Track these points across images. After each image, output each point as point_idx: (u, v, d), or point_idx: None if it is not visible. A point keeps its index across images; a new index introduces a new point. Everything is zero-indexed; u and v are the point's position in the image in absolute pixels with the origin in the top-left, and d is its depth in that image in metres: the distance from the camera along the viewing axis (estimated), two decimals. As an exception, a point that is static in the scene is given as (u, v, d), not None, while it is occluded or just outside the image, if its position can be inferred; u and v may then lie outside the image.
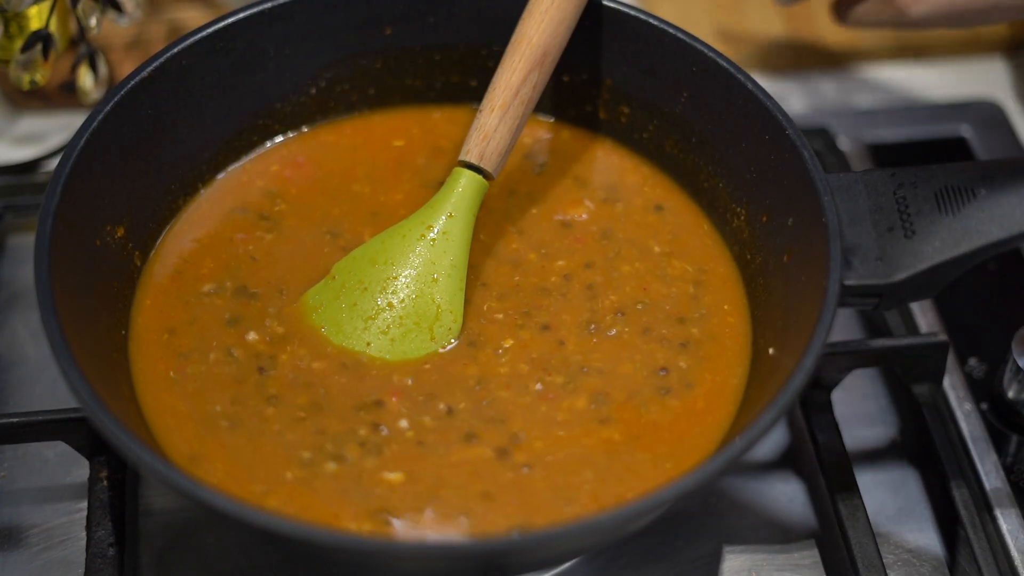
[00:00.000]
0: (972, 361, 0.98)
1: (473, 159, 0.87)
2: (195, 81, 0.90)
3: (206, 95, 0.91)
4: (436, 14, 0.95)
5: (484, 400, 0.82)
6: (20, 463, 0.92)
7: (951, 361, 0.95)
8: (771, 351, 0.82)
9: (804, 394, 0.90)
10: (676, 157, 0.94)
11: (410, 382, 0.83)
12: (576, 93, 0.97)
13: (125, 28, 1.14)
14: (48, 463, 0.92)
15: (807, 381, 0.74)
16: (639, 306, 0.87)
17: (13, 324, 1.00)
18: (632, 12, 0.92)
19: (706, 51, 0.89)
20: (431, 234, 0.86)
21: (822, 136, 1.11)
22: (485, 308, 0.87)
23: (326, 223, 0.91)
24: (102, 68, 1.08)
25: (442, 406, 0.82)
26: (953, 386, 0.95)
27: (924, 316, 0.98)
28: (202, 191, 0.93)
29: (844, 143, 1.11)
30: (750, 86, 0.87)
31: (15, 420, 0.86)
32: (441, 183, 0.88)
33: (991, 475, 0.90)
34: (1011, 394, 0.94)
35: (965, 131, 1.14)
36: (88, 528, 0.84)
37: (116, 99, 0.85)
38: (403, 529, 0.76)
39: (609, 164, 0.96)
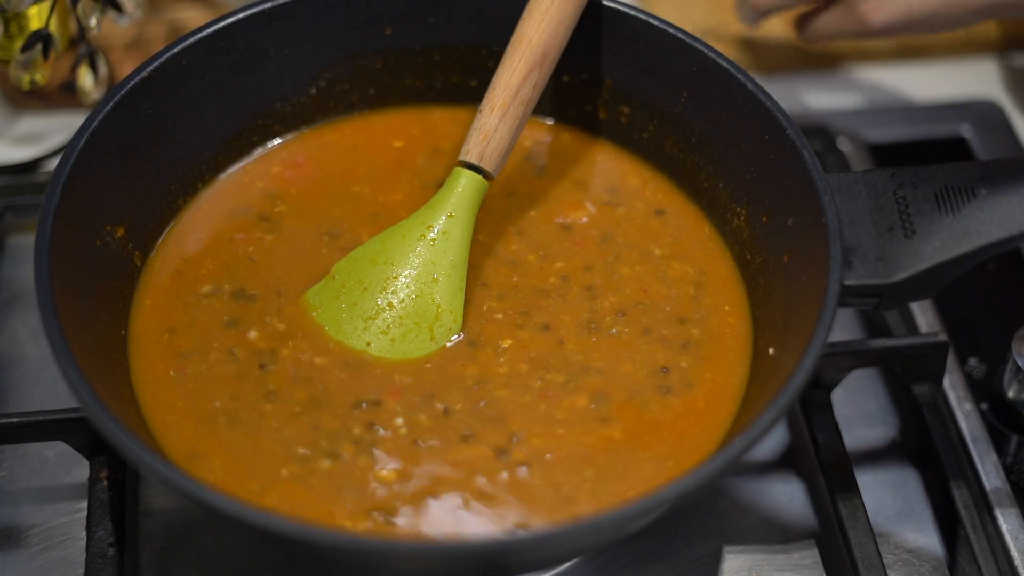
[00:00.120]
0: (972, 361, 0.98)
1: (473, 159, 0.87)
2: (195, 81, 0.90)
3: (206, 95, 0.91)
4: (436, 14, 0.95)
5: (482, 400, 0.82)
6: (20, 463, 0.92)
7: (951, 361, 0.95)
8: (771, 351, 0.82)
9: (804, 394, 0.90)
10: (676, 157, 0.94)
11: (409, 381, 0.83)
12: (576, 93, 0.97)
13: (125, 28, 1.14)
14: (48, 463, 0.92)
15: (807, 381, 0.74)
16: (639, 307, 0.87)
17: (13, 324, 1.00)
18: (632, 12, 0.92)
19: (706, 51, 0.89)
20: (431, 234, 0.86)
21: (822, 136, 1.11)
22: (485, 308, 0.87)
23: (326, 224, 0.91)
24: (102, 68, 1.08)
25: (439, 405, 0.82)
26: (953, 386, 0.95)
27: (924, 316, 0.98)
28: (203, 192, 0.93)
29: (844, 143, 1.11)
30: (750, 86, 0.87)
31: (15, 420, 0.86)
32: (441, 184, 0.89)
33: (991, 475, 0.90)
34: (1011, 394, 0.94)
35: (965, 131, 1.15)
36: (88, 528, 0.84)
37: (116, 99, 0.85)
38: (399, 527, 0.76)
39: (609, 167, 0.96)
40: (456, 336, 0.85)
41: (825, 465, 0.89)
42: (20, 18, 1.03)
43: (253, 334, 0.85)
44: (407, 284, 0.86)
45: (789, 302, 0.82)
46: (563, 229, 0.92)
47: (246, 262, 0.89)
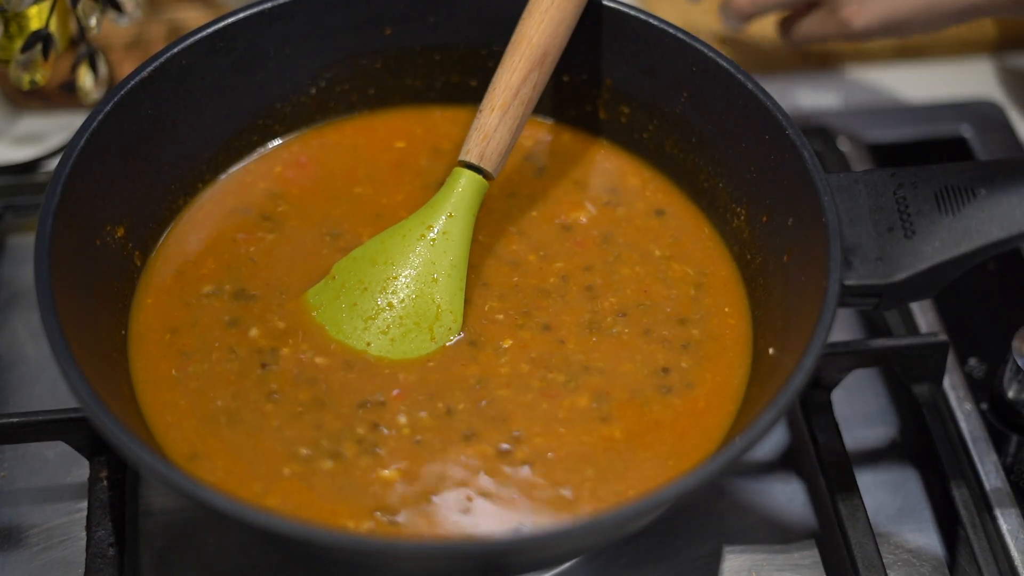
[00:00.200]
0: (972, 361, 0.98)
1: (473, 159, 0.87)
2: (195, 81, 0.90)
3: (206, 95, 0.91)
4: (436, 14, 0.95)
5: (484, 399, 0.82)
6: (20, 463, 0.92)
7: (951, 361, 0.95)
8: (771, 351, 0.82)
9: (804, 394, 0.90)
10: (676, 157, 0.94)
11: (413, 380, 0.83)
12: (576, 93, 0.97)
13: (125, 28, 1.14)
14: (48, 463, 0.92)
15: (807, 381, 0.74)
16: (640, 307, 0.87)
17: (13, 324, 1.00)
18: (632, 12, 0.92)
19: (706, 51, 0.89)
20: (431, 234, 0.86)
21: (822, 136, 1.11)
22: (486, 308, 0.87)
23: (327, 224, 0.91)
24: (102, 68, 1.08)
25: (441, 405, 0.82)
26: (953, 386, 0.95)
27: (924, 316, 0.98)
28: (204, 191, 0.93)
29: (844, 143, 1.11)
30: (750, 86, 0.87)
31: (15, 420, 0.86)
32: (443, 184, 0.89)
33: (991, 475, 0.90)
34: (1011, 394, 0.94)
35: (965, 131, 1.15)
36: (88, 528, 0.84)
37: (116, 99, 0.85)
38: (401, 527, 0.76)
39: (609, 167, 0.96)
40: (456, 336, 0.85)
41: (825, 465, 0.89)
42: (20, 18, 1.03)
43: (254, 332, 0.85)
44: (407, 284, 0.86)
45: (789, 302, 0.82)
46: (563, 229, 0.92)
47: (247, 262, 0.89)
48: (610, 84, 0.95)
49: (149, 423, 0.80)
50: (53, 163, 1.07)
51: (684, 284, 0.89)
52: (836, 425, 0.91)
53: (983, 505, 0.89)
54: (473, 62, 0.97)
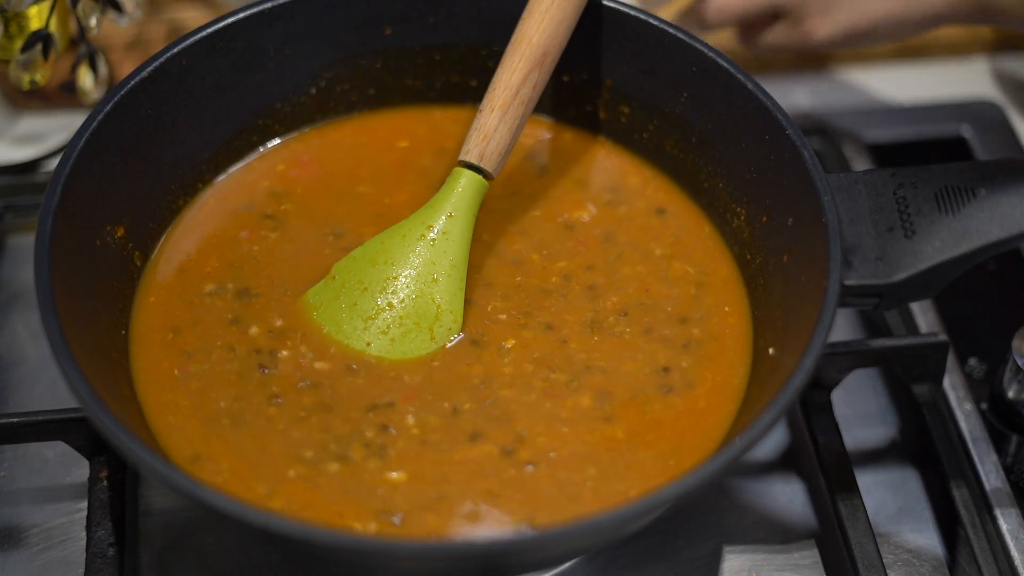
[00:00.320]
0: (972, 361, 0.98)
1: (473, 159, 0.87)
2: (195, 81, 0.90)
3: (206, 95, 0.91)
4: (436, 14, 0.95)
5: (488, 399, 0.82)
6: (20, 463, 0.92)
7: (951, 361, 0.95)
8: (771, 351, 0.82)
9: (804, 394, 0.90)
10: (676, 157, 0.94)
11: (416, 382, 0.83)
12: (576, 93, 0.97)
13: (125, 28, 1.14)
14: (48, 463, 0.92)
15: (807, 381, 0.74)
16: (641, 307, 0.87)
17: (13, 324, 1.00)
18: (632, 12, 0.92)
19: (706, 51, 0.89)
20: (431, 234, 0.86)
21: (822, 136, 1.11)
22: (489, 308, 0.87)
23: (330, 224, 0.91)
24: (102, 68, 1.08)
25: (447, 405, 0.82)
26: (953, 386, 0.95)
27: (924, 316, 0.98)
28: (205, 190, 0.93)
29: (844, 143, 1.11)
30: (750, 86, 0.87)
31: (15, 420, 0.86)
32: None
33: (991, 475, 0.90)
34: (1011, 394, 0.94)
35: (965, 131, 1.15)
36: (88, 528, 0.84)
37: (116, 99, 0.85)
38: (408, 528, 0.76)
39: (610, 166, 0.96)
40: (456, 336, 0.85)
41: (825, 465, 0.89)
42: (20, 18, 1.03)
43: (254, 330, 0.85)
44: (407, 284, 0.86)
45: (789, 302, 0.82)
46: (566, 228, 0.92)
47: (250, 261, 0.89)
48: (610, 84, 0.95)
49: (151, 424, 0.80)
50: (53, 163, 1.07)
51: (685, 283, 0.89)
52: (836, 425, 0.91)
53: (983, 505, 0.89)
54: (473, 62, 0.97)
